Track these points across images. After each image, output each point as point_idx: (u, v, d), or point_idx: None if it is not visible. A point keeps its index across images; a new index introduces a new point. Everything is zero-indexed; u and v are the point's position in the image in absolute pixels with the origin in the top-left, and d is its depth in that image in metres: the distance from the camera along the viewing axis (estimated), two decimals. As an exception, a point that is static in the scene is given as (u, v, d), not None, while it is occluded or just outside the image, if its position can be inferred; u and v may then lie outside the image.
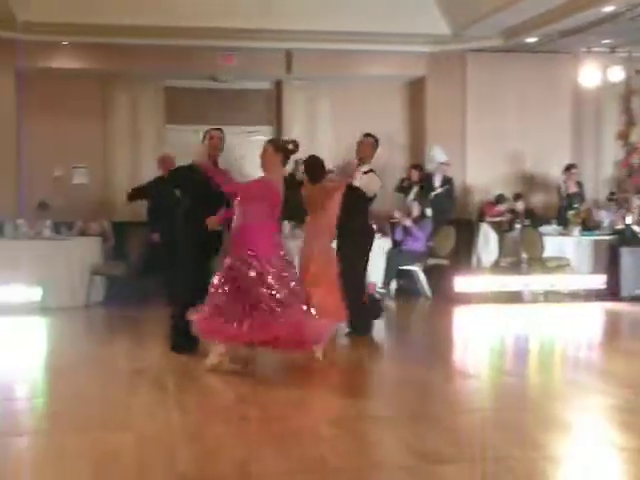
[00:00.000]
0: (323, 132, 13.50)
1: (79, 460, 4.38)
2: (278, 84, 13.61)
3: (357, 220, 7.99)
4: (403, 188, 12.37)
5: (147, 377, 6.52)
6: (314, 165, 7.84)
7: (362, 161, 8.26)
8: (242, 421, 5.22)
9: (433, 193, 12.16)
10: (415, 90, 13.75)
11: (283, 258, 6.57)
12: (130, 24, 11.52)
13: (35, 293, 9.82)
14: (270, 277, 6.33)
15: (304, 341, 6.55)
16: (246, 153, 13.50)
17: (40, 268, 9.97)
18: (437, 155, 12.43)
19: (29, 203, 11.64)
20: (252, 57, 12.62)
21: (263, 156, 6.67)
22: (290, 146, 6.71)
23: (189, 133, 12.86)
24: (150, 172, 11.76)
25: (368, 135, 8.40)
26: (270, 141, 6.79)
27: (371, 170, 8.21)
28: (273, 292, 6.31)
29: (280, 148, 6.66)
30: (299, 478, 4.14)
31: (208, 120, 13.23)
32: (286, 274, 6.47)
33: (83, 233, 11.02)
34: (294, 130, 13.13)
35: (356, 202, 7.91)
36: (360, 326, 8.07)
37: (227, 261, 6.51)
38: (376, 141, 8.38)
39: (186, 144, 12.68)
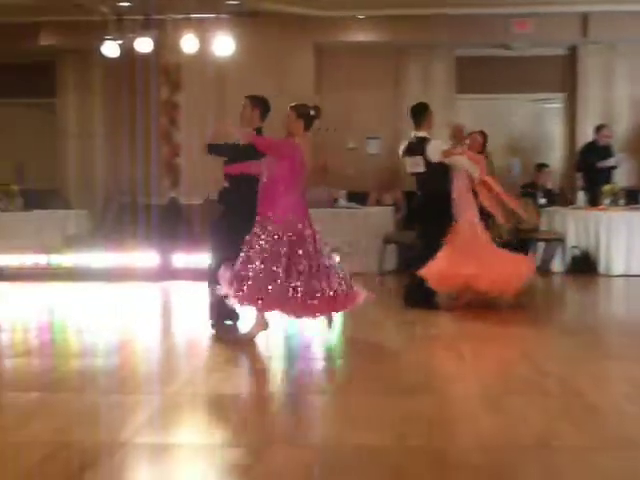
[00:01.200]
0: (620, 97, 12.92)
1: (381, 421, 4.49)
2: (573, 49, 13.16)
3: None
4: None
5: (442, 343, 6.63)
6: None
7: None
8: (541, 394, 5.16)
9: None
10: None
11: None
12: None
13: (331, 260, 10.24)
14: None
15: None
16: (537, 122, 13.34)
17: (336, 236, 10.36)
18: None
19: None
20: (546, 22, 12.29)
21: (286, 122, 6.64)
22: (311, 112, 6.66)
23: (480, 102, 12.83)
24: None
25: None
26: (292, 107, 6.69)
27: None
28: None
29: (302, 114, 6.61)
30: (604, 456, 4.02)
31: (499, 89, 13.14)
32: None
33: (378, 203, 11.40)
34: (589, 96, 12.71)
35: None
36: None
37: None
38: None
39: (477, 113, 12.67)
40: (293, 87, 12.43)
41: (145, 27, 11.34)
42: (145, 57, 11.55)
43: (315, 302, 6.35)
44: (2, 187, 11.52)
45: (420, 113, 8.34)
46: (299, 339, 7.01)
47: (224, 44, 11.28)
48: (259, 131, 7.09)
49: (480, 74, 13.20)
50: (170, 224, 11.21)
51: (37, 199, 11.74)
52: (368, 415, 4.63)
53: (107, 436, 4.23)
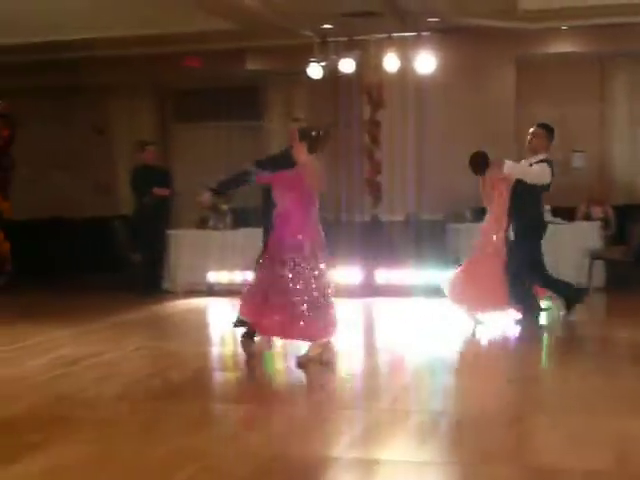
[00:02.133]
0: None
1: (602, 443, 4.32)
2: None
3: (526, 211, 8.00)
4: None
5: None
6: (475, 159, 8.15)
7: (534, 152, 8.11)
8: None
9: None
10: None
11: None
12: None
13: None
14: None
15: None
16: None
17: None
18: None
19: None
20: None
21: (292, 143, 6.86)
22: (313, 133, 6.70)
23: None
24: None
25: (540, 126, 8.14)
26: (298, 129, 6.87)
27: (543, 160, 7.94)
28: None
29: (304, 136, 6.72)
30: None
31: None
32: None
33: (587, 218, 11.15)
34: None
35: (524, 193, 7.94)
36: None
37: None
38: (549, 132, 8.10)
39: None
40: (494, 102, 12.30)
41: (348, 48, 11.56)
42: (348, 77, 11.75)
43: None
44: (213, 207, 12.00)
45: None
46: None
47: (425, 61, 11.31)
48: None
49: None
50: (372, 241, 11.33)
51: (245, 217, 12.15)
52: (588, 436, 4.47)
53: (318, 451, 4.32)
